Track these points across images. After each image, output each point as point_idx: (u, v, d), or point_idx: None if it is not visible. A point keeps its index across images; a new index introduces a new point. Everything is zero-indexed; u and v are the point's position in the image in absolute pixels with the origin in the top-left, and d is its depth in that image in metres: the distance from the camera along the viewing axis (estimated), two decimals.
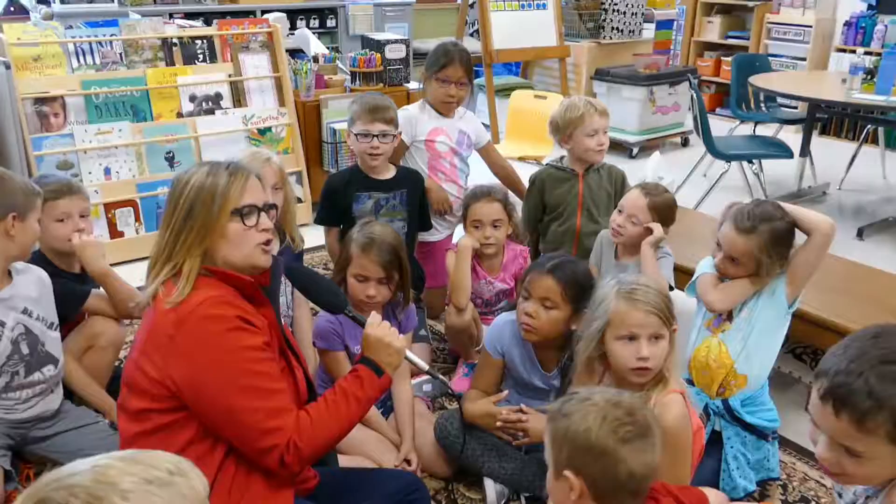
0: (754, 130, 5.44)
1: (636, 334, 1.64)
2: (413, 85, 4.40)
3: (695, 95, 4.38)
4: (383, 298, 2.18)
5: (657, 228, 2.33)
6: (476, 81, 5.46)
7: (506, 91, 5.40)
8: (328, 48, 5.11)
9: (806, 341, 2.51)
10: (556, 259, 2.05)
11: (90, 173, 3.62)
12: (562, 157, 2.80)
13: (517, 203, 2.84)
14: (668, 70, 5.72)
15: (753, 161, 4.55)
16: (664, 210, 2.36)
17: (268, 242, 1.53)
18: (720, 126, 5.37)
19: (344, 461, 1.98)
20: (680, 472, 1.67)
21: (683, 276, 2.58)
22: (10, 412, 1.96)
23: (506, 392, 2.13)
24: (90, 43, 3.73)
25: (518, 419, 2.02)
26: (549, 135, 2.81)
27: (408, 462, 2.08)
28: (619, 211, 2.40)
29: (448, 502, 2.11)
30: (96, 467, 0.84)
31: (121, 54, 3.79)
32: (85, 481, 0.82)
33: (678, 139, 6.04)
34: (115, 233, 3.66)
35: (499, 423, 2.05)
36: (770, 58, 5.97)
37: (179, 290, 1.42)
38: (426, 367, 1.71)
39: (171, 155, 3.82)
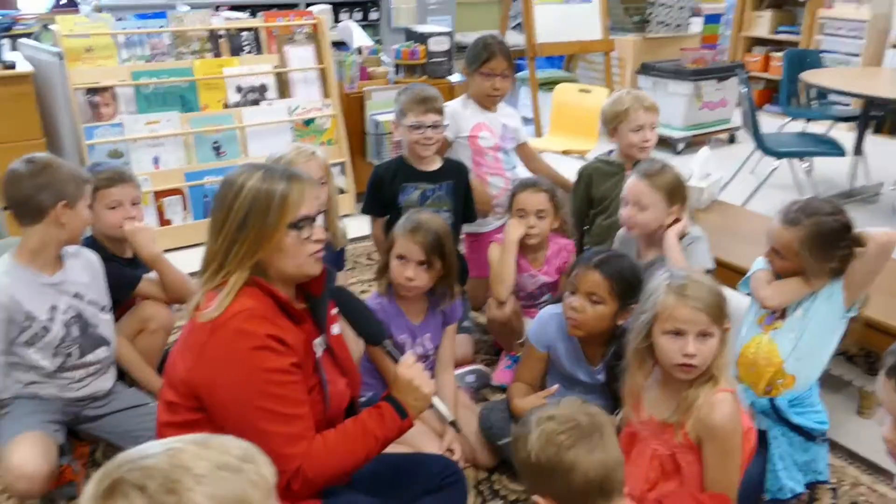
0: (805, 128, 5.31)
1: (683, 330, 1.60)
2: (455, 77, 4.39)
3: (744, 90, 4.29)
4: (423, 284, 2.17)
5: (684, 219, 2.26)
6: (519, 75, 5.42)
7: (549, 85, 5.34)
8: (371, 40, 5.13)
9: (861, 344, 2.44)
10: (604, 254, 2.03)
11: (139, 162, 3.68)
12: (610, 151, 2.77)
13: (566, 199, 2.81)
14: (715, 65, 5.61)
15: (804, 159, 4.44)
16: (670, 188, 2.23)
17: (320, 251, 1.53)
18: (768, 123, 5.25)
19: (388, 449, 1.98)
20: (728, 474, 1.63)
21: (733, 273, 2.53)
22: (64, 391, 2.00)
23: (556, 386, 2.10)
24: (139, 34, 3.79)
25: None
26: (599, 126, 2.78)
27: (451, 451, 2.08)
28: (625, 203, 2.31)
29: (490, 493, 2.10)
30: (170, 450, 0.83)
31: (169, 45, 3.85)
32: (160, 464, 0.81)
33: (725, 135, 5.91)
34: (163, 221, 3.73)
35: None
36: (822, 54, 5.82)
37: (218, 302, 1.41)
38: (450, 417, 1.72)
39: (217, 145, 3.88)
